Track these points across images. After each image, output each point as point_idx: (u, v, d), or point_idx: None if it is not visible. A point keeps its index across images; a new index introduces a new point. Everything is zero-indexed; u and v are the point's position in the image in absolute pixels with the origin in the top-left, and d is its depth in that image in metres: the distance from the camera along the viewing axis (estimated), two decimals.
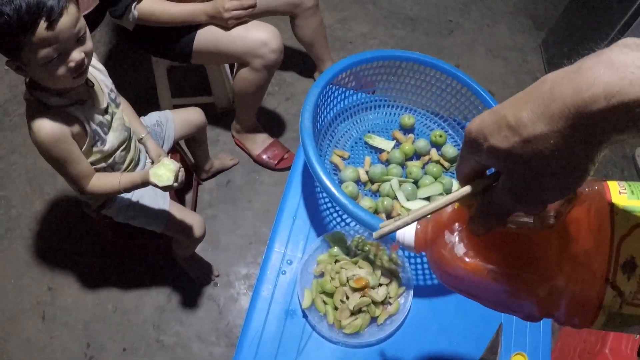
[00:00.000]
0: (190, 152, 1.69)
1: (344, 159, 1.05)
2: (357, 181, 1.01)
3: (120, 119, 1.14)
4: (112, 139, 1.11)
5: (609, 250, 0.36)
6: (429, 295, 0.91)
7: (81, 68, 0.93)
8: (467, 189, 0.39)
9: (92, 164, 1.09)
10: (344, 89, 1.07)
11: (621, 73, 0.27)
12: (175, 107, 1.74)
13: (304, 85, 2.15)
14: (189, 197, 1.75)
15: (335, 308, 0.83)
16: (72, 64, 0.91)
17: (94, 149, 1.08)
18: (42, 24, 0.83)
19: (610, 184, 0.39)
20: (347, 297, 0.83)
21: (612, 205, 0.37)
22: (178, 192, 1.65)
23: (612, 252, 0.36)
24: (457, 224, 0.42)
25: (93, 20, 2.25)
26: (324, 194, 0.93)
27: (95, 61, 1.10)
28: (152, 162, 1.29)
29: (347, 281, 0.84)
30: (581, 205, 0.39)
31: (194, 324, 1.57)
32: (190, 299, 1.61)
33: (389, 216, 0.97)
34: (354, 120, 1.12)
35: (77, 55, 0.91)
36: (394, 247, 0.77)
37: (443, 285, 0.46)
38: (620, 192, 0.38)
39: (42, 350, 1.50)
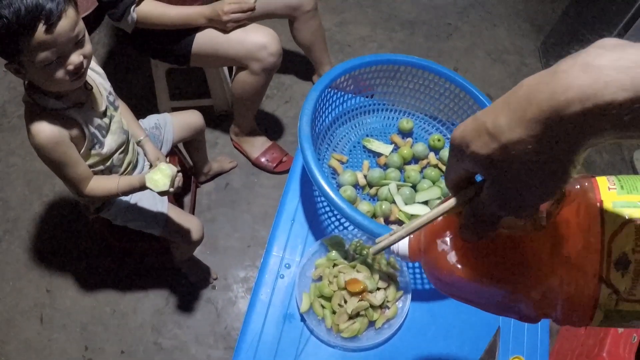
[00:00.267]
0: (188, 155, 1.69)
1: (342, 162, 1.05)
2: (356, 185, 1.01)
3: (118, 121, 1.14)
4: (110, 142, 1.11)
5: (601, 249, 0.35)
6: (426, 299, 0.91)
7: (80, 71, 0.93)
8: (452, 202, 0.39)
9: (90, 166, 1.09)
10: (343, 93, 1.07)
11: (595, 75, 0.27)
12: (174, 110, 1.74)
13: (302, 89, 2.15)
14: (187, 200, 1.75)
15: (333, 312, 0.83)
16: (70, 67, 0.91)
17: (92, 151, 1.08)
18: (41, 27, 0.84)
19: (599, 180, 0.39)
20: (345, 301, 0.83)
21: (601, 203, 0.37)
22: (176, 195, 1.65)
23: (604, 250, 0.35)
24: (448, 232, 0.42)
25: (92, 22, 2.25)
26: (322, 198, 0.93)
27: (93, 64, 1.10)
28: (151, 165, 1.29)
29: (345, 285, 0.84)
30: (570, 205, 0.38)
31: (192, 327, 1.57)
32: (188, 302, 1.61)
33: (387, 220, 0.97)
34: (353, 124, 1.12)
35: (75, 58, 0.91)
36: None
37: None
38: (609, 188, 0.38)
39: (40, 352, 1.50)
